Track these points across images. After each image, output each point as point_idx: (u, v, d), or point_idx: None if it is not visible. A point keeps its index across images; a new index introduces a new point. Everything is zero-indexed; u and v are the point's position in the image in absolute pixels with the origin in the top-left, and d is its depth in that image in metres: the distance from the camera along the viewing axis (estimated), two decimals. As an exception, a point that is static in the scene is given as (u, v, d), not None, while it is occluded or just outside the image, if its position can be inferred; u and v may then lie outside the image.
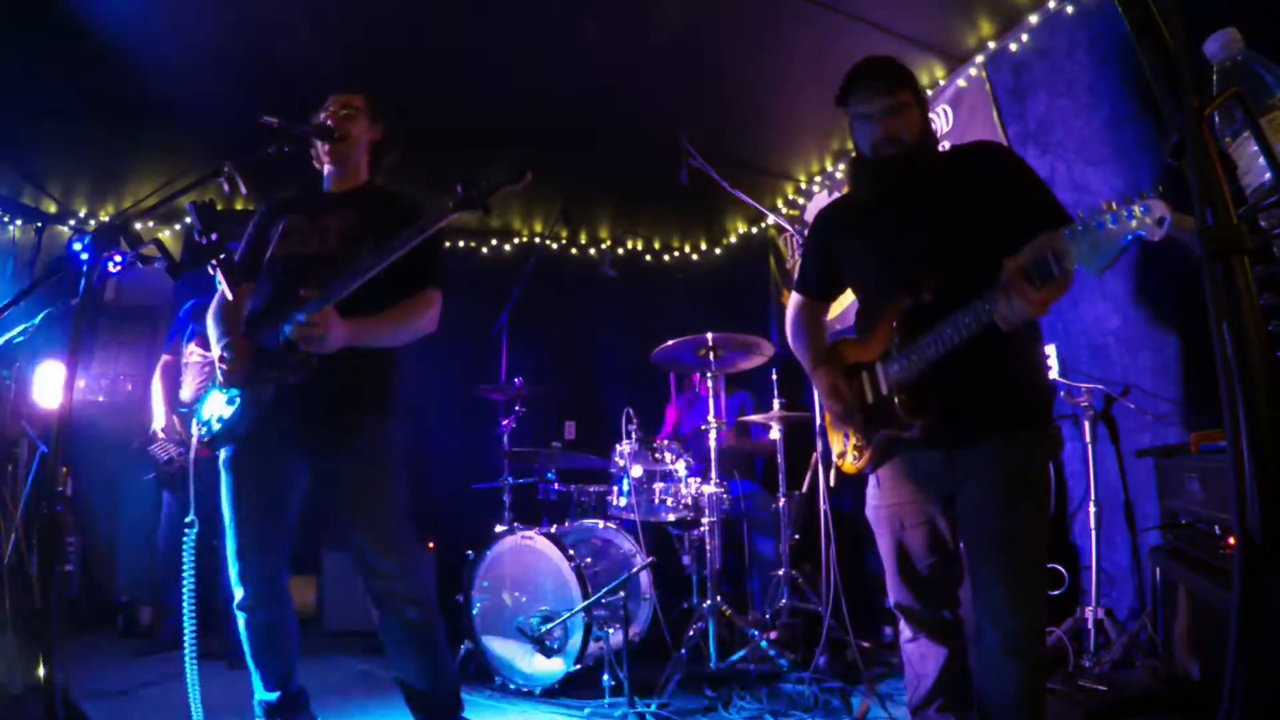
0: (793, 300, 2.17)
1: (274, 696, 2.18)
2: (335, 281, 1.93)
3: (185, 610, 2.11)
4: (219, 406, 2.09)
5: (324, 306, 1.92)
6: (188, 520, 2.10)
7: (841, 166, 4.52)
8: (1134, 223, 1.31)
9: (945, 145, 3.62)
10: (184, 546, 2.13)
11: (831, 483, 3.03)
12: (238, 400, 2.04)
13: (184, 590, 2.13)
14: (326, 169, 2.31)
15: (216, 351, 2.09)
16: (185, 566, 2.13)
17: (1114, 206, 1.34)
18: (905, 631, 1.95)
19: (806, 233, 2.20)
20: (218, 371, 2.07)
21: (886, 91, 1.78)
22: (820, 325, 2.14)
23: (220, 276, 1.90)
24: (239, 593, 2.13)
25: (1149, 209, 1.29)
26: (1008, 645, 1.67)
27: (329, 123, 2.23)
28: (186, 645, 2.09)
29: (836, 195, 4.44)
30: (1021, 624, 1.67)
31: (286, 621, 2.19)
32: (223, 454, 2.12)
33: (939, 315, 1.67)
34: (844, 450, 1.99)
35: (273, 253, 2.17)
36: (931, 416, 1.75)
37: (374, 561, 2.08)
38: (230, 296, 2.03)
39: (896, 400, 1.78)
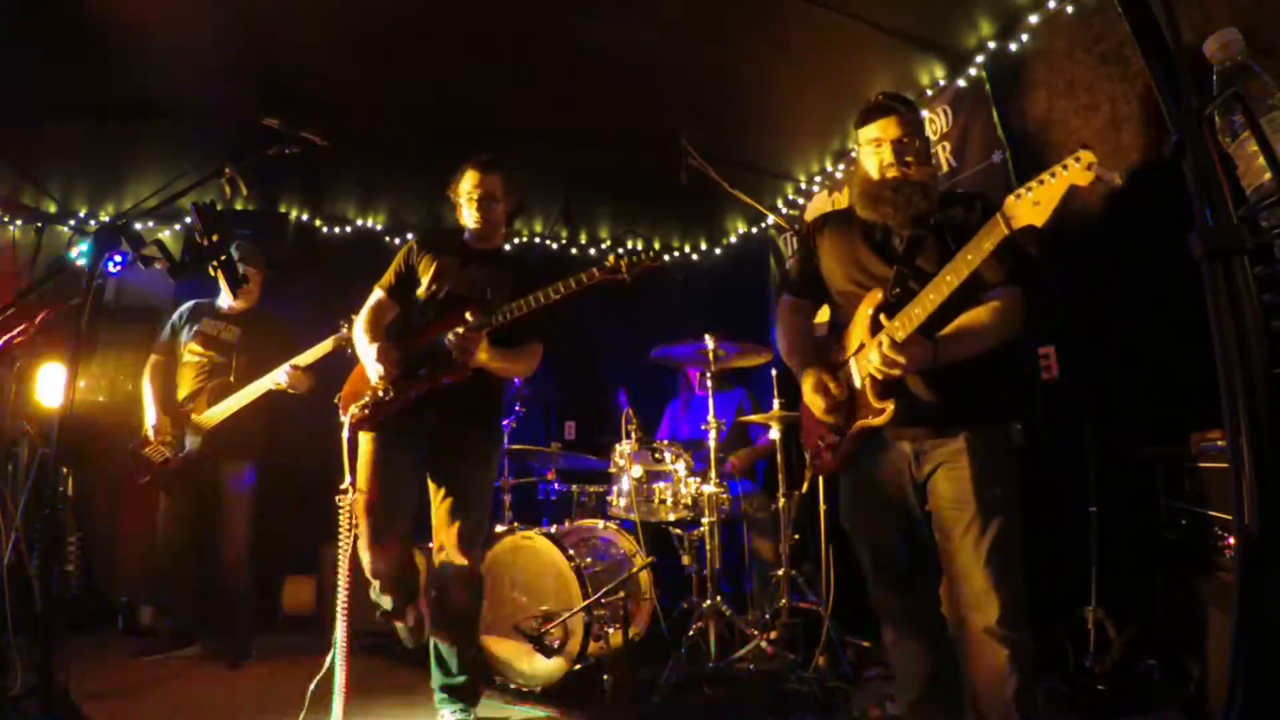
0: (783, 301, 2.24)
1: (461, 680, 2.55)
2: (495, 311, 2.45)
3: (341, 571, 2.40)
4: (367, 395, 2.50)
5: (482, 328, 2.43)
6: (343, 487, 2.40)
7: (842, 166, 4.52)
8: (1067, 173, 1.55)
9: (946, 146, 3.63)
10: (341, 512, 2.41)
11: (805, 487, 3.05)
12: (387, 392, 2.49)
13: (341, 553, 2.39)
14: (468, 225, 2.71)
15: (376, 371, 2.49)
16: (342, 531, 2.42)
17: (1054, 166, 1.59)
18: (890, 634, 1.99)
19: (800, 236, 2.26)
20: (372, 368, 2.50)
21: (899, 122, 1.95)
22: (810, 327, 2.22)
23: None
24: (375, 563, 2.54)
25: (1079, 159, 1.53)
26: (990, 629, 1.71)
27: (478, 212, 2.64)
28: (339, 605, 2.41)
29: (836, 195, 4.46)
30: (1002, 607, 1.70)
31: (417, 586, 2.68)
32: (365, 438, 2.55)
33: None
34: (818, 450, 2.06)
35: (432, 286, 2.64)
36: (901, 399, 1.83)
37: (459, 548, 2.51)
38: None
39: (868, 388, 1.86)
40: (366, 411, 2.51)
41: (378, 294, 2.73)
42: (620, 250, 2.41)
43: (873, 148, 1.97)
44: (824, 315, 2.24)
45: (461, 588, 2.53)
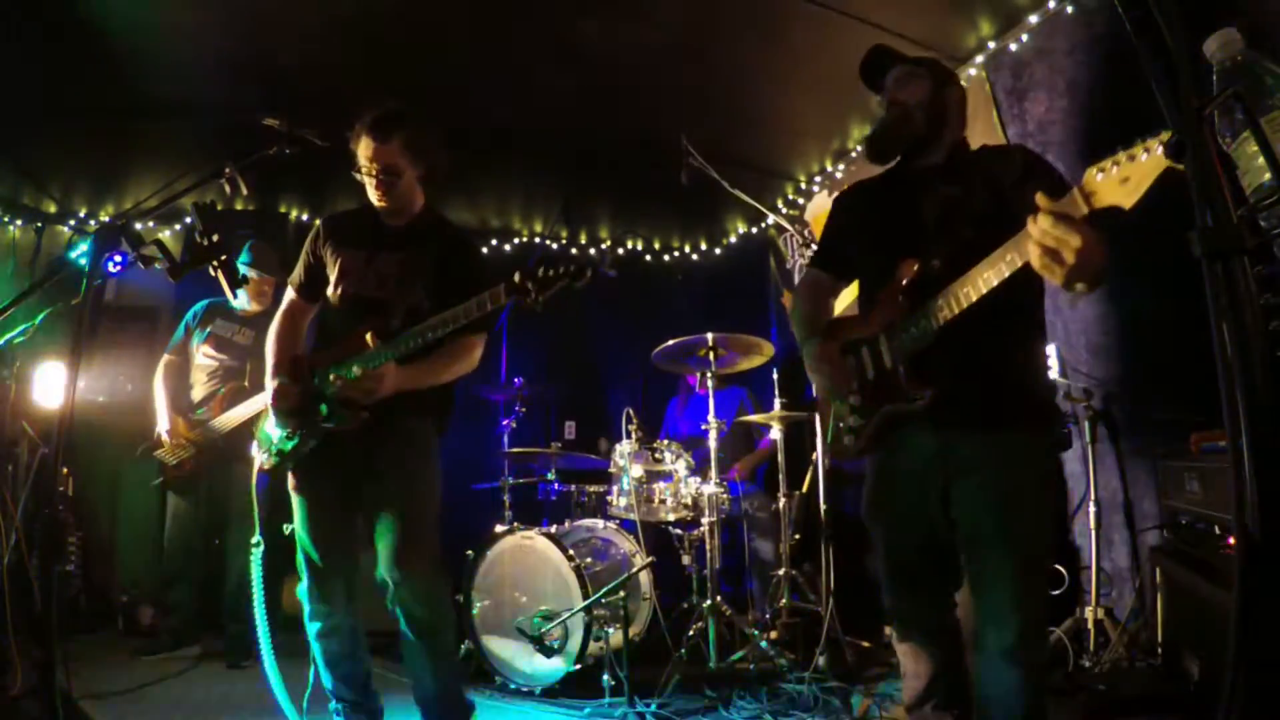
0: (805, 274, 2.12)
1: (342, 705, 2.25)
2: (395, 340, 2.07)
3: (259, 621, 2.34)
4: (277, 433, 2.24)
5: (383, 363, 2.06)
6: (255, 540, 2.30)
7: (841, 166, 4.52)
8: (1162, 151, 1.23)
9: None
10: (253, 563, 2.32)
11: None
12: (296, 433, 2.20)
13: (256, 605, 2.35)
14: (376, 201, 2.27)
15: (270, 384, 2.23)
16: (255, 584, 2.34)
17: (1147, 140, 1.27)
18: (900, 631, 1.94)
19: (831, 208, 2.14)
20: (270, 408, 2.23)
21: (907, 73, 1.91)
22: (827, 305, 2.09)
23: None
24: (319, 607, 2.22)
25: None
26: (1008, 649, 1.64)
27: (379, 190, 2.21)
28: (265, 652, 2.34)
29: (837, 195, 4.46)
30: (1022, 628, 1.63)
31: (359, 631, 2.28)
32: (291, 475, 2.24)
33: (948, 284, 1.64)
34: (839, 432, 1.92)
35: (338, 288, 2.26)
36: (939, 386, 1.69)
37: (396, 559, 2.10)
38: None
39: (902, 371, 1.73)
40: (273, 463, 2.23)
41: (289, 294, 2.36)
42: (548, 250, 2.23)
43: (887, 105, 1.91)
44: (851, 294, 2.13)
45: (409, 602, 2.12)
